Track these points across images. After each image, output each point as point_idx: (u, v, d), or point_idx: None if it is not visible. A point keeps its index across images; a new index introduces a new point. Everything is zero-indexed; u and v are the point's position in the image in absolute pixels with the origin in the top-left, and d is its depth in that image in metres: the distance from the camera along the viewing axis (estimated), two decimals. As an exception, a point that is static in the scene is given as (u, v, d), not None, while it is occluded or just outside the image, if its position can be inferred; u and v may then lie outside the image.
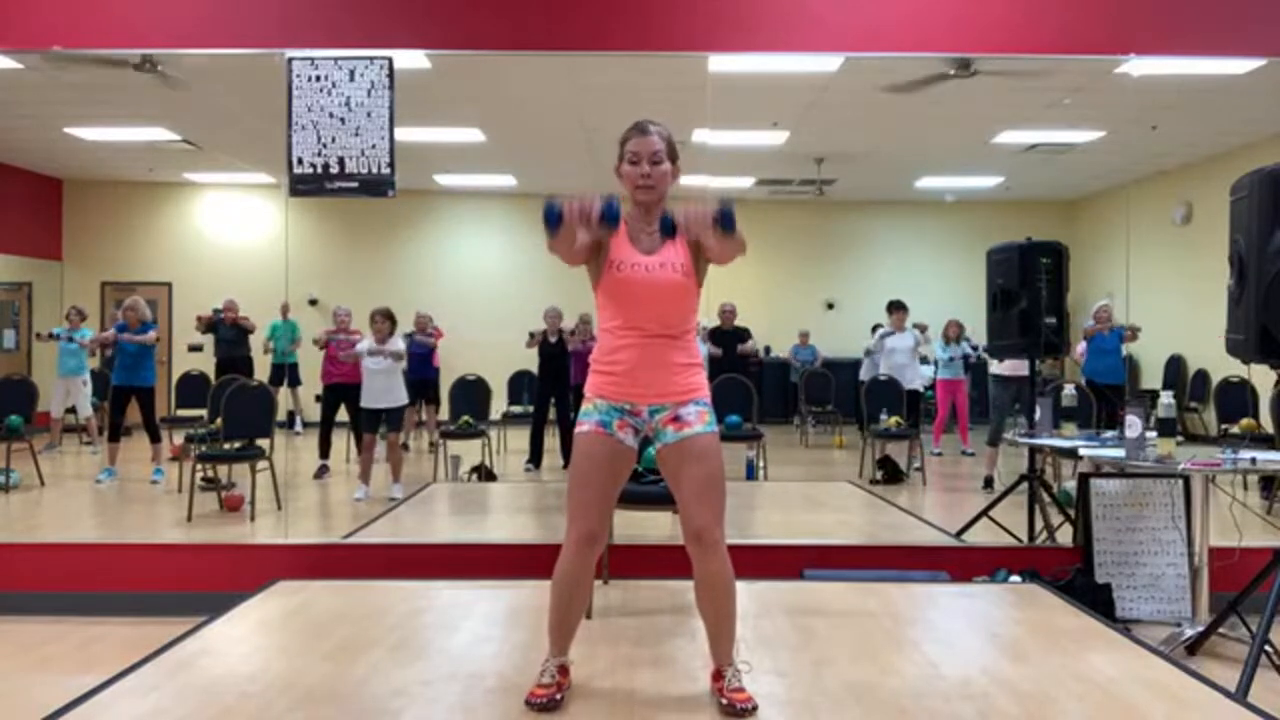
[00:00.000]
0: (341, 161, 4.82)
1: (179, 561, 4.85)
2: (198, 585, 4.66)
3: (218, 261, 11.04)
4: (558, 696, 2.92)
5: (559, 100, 7.48)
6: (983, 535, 5.41)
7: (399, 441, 7.78)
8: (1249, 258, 3.75)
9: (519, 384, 9.45)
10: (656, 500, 4.07)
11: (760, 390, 8.48)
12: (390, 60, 4.81)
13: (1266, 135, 7.43)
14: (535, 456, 8.64)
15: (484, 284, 11.19)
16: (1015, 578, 4.64)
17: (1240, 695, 3.29)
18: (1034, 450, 5.51)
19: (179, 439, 8.60)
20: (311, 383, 9.26)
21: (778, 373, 11.43)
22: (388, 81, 4.80)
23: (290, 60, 4.80)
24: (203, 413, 8.15)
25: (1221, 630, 4.13)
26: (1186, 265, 8.64)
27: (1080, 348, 7.65)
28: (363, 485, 7.35)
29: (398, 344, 7.63)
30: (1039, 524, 5.36)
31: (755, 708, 2.85)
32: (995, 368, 7.79)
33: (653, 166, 2.88)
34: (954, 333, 8.78)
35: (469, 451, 8.33)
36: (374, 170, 4.82)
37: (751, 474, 8.03)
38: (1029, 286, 5.48)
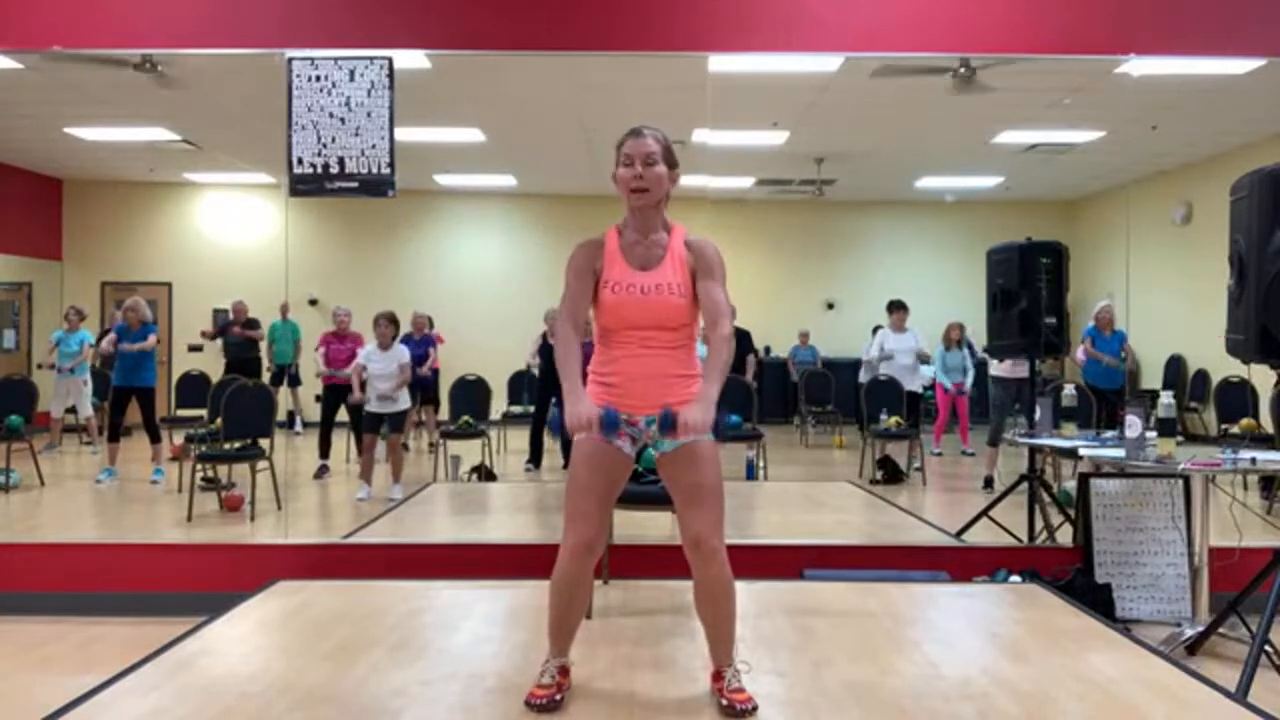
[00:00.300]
0: (341, 161, 4.81)
1: (179, 561, 4.85)
2: (198, 585, 4.66)
3: (218, 261, 11.04)
4: (558, 697, 2.92)
5: (559, 100, 7.48)
6: (983, 535, 5.41)
7: (399, 442, 7.77)
8: (1249, 258, 3.75)
9: (519, 384, 9.45)
10: (656, 500, 4.06)
11: (760, 390, 8.48)
12: (390, 60, 4.80)
13: (1266, 135, 7.43)
14: (535, 457, 8.63)
15: (484, 284, 11.19)
16: (1015, 578, 4.64)
17: (1240, 695, 3.29)
18: (1034, 450, 5.51)
19: (179, 439, 8.60)
20: (311, 383, 9.27)
21: (778, 373, 11.44)
22: (388, 81, 4.80)
23: (290, 60, 4.80)
24: (203, 413, 8.15)
25: (1221, 630, 4.13)
26: (1186, 265, 8.64)
27: (1080, 353, 7.64)
28: (364, 485, 7.35)
29: (404, 357, 7.59)
30: (1039, 524, 5.36)
31: (755, 708, 2.85)
32: (995, 369, 7.79)
33: (646, 168, 2.85)
34: (956, 335, 8.77)
35: (469, 451, 8.33)
36: (374, 170, 4.82)
37: (751, 474, 8.03)
38: (1029, 286, 5.48)
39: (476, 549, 4.99)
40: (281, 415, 7.66)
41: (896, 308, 8.80)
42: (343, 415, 8.09)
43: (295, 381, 9.91)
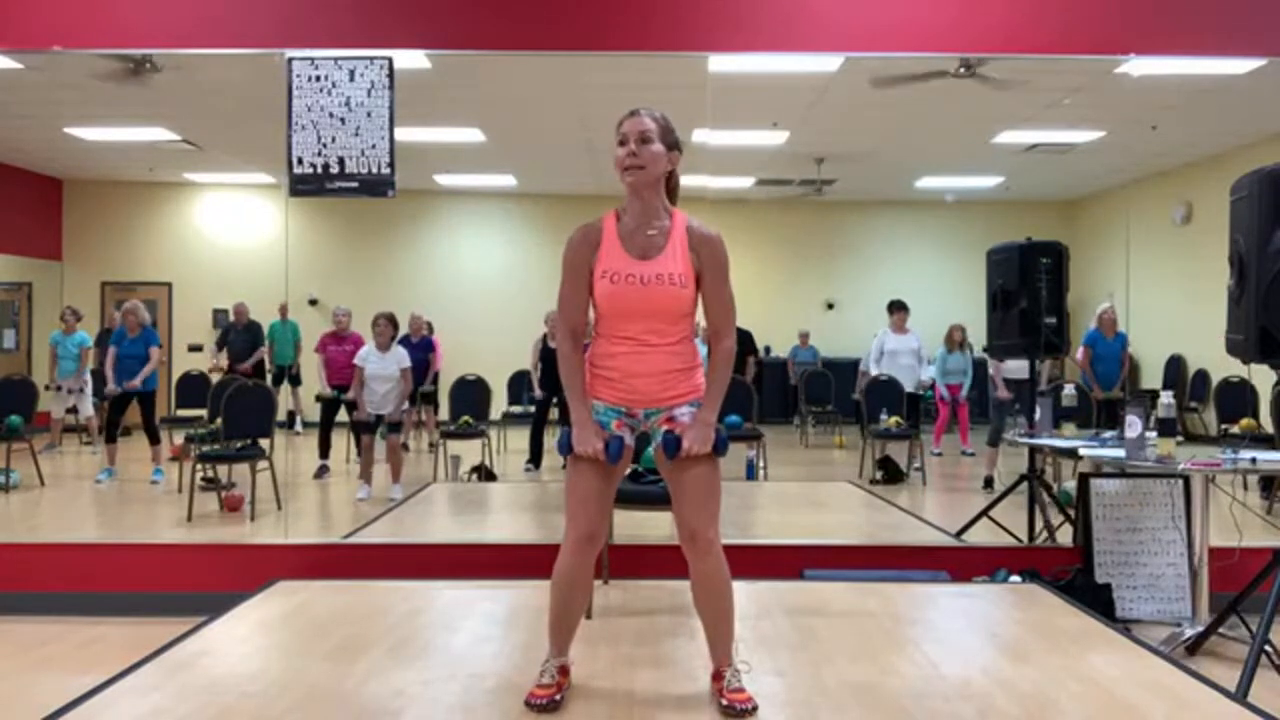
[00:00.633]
0: (341, 161, 4.81)
1: (179, 561, 4.85)
2: (198, 585, 4.66)
3: (218, 261, 11.04)
4: (557, 697, 2.92)
5: (559, 100, 7.47)
6: (983, 535, 5.42)
7: (399, 443, 7.77)
8: (1249, 258, 3.75)
9: (519, 384, 9.45)
10: (656, 500, 4.07)
11: (760, 390, 8.47)
12: (390, 60, 4.80)
13: (1266, 135, 7.43)
14: (535, 457, 8.63)
15: (484, 284, 11.19)
16: (1015, 578, 4.64)
17: (1240, 695, 3.29)
18: (1034, 450, 5.51)
19: (179, 439, 8.60)
20: (311, 383, 9.27)
21: (778, 373, 11.42)
22: (388, 81, 4.80)
23: (290, 60, 4.80)
24: (203, 413, 8.15)
25: (1221, 630, 4.13)
26: (1186, 265, 8.64)
27: (1080, 356, 7.62)
28: (365, 485, 7.36)
29: (404, 359, 7.59)
30: (1039, 524, 5.36)
31: (755, 708, 2.84)
32: (1008, 370, 7.74)
33: (640, 145, 2.79)
34: (959, 337, 8.76)
35: (469, 451, 8.33)
36: (374, 170, 4.82)
37: (751, 474, 8.03)
38: (1029, 286, 5.48)
39: (476, 549, 4.99)
40: (281, 415, 7.66)
41: (897, 308, 8.79)
42: (343, 415, 8.09)
43: (295, 381, 9.91)
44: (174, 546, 5.12)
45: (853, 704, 2.97)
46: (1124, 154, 8.89)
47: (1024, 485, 5.49)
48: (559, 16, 4.84)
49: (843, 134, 8.91)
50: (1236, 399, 7.69)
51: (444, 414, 9.00)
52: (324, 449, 8.31)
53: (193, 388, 9.30)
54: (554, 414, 8.72)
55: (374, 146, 4.81)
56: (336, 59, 4.79)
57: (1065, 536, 5.24)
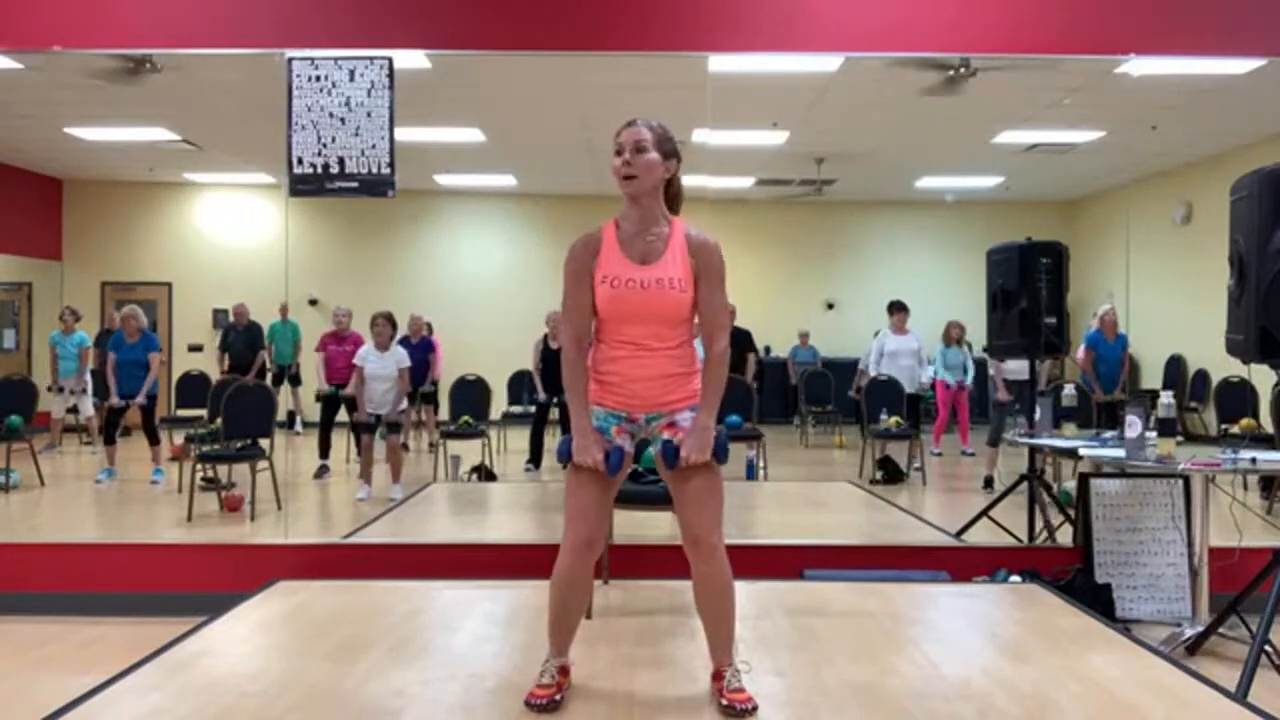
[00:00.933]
0: (341, 161, 4.81)
1: (179, 561, 4.85)
2: (198, 585, 4.66)
3: (218, 261, 11.04)
4: (557, 697, 2.92)
5: (559, 100, 7.48)
6: (983, 535, 5.42)
7: (399, 443, 7.77)
8: (1249, 258, 3.75)
9: (519, 384, 9.45)
10: (656, 500, 4.07)
11: (760, 390, 8.47)
12: (390, 60, 4.80)
13: (1266, 135, 7.43)
14: (535, 457, 8.63)
15: (484, 284, 11.19)
16: (1015, 578, 4.64)
17: (1240, 695, 3.29)
18: (1034, 450, 5.51)
19: (179, 439, 8.60)
20: (311, 383, 9.27)
21: (778, 373, 11.43)
22: (388, 81, 4.80)
23: (290, 60, 4.80)
24: (203, 413, 8.15)
25: (1221, 630, 4.13)
26: (1186, 265, 8.64)
27: (1082, 356, 7.62)
28: (365, 485, 7.36)
29: (403, 359, 7.59)
30: (1039, 524, 5.36)
31: (755, 708, 2.84)
32: (1009, 371, 7.73)
33: (635, 154, 2.80)
34: (956, 333, 8.76)
35: (469, 451, 8.33)
36: (374, 170, 4.82)
37: (751, 474, 8.03)
38: (1029, 286, 5.48)
39: (476, 549, 4.99)
40: (281, 415, 7.66)
41: (897, 309, 8.79)
42: (342, 415, 8.09)
43: (295, 381, 9.91)
44: (174, 546, 5.12)
45: (853, 704, 2.97)
46: (1124, 154, 8.89)
47: (1024, 485, 5.48)
48: (559, 16, 4.84)
49: (843, 134, 8.92)
50: (1236, 399, 7.69)
51: (444, 414, 9.00)
52: (324, 449, 8.31)
53: (193, 388, 9.30)
54: (554, 414, 8.73)
55: (374, 146, 4.81)
56: (336, 59, 4.79)
57: (1065, 536, 5.24)
